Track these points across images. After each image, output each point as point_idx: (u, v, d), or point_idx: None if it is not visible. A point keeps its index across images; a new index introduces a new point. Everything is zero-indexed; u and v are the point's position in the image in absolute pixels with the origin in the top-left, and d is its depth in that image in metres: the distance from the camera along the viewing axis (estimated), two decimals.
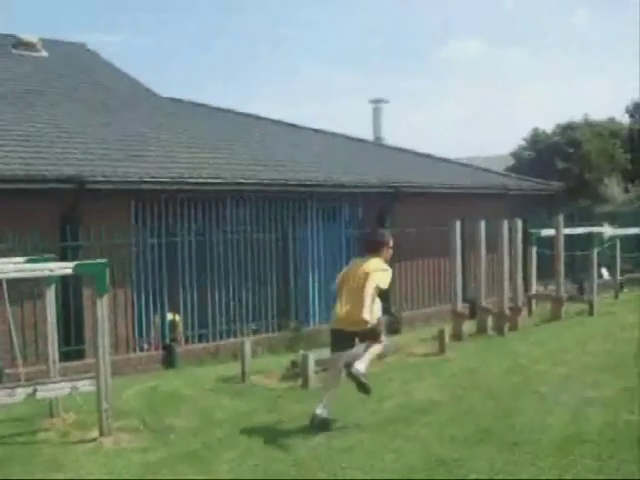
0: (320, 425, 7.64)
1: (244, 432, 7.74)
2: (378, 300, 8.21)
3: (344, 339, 8.18)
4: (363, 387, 7.73)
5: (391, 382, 9.68)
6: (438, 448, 6.73)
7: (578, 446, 6.52)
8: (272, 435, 7.56)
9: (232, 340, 13.93)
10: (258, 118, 22.43)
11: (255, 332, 14.73)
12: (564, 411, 7.68)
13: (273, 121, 22.43)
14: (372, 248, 8.35)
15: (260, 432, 7.69)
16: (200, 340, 14.23)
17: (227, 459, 6.88)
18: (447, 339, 11.91)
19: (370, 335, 8.08)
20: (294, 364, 10.41)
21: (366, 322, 7.77)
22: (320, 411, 7.73)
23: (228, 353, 13.20)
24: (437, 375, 9.90)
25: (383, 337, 8.42)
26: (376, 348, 8.22)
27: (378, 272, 8.01)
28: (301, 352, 10.58)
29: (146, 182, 13.38)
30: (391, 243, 8.48)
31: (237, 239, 14.90)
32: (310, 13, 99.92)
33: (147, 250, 13.63)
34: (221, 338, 14.41)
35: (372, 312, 7.91)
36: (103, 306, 7.68)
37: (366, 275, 7.95)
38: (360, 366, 7.82)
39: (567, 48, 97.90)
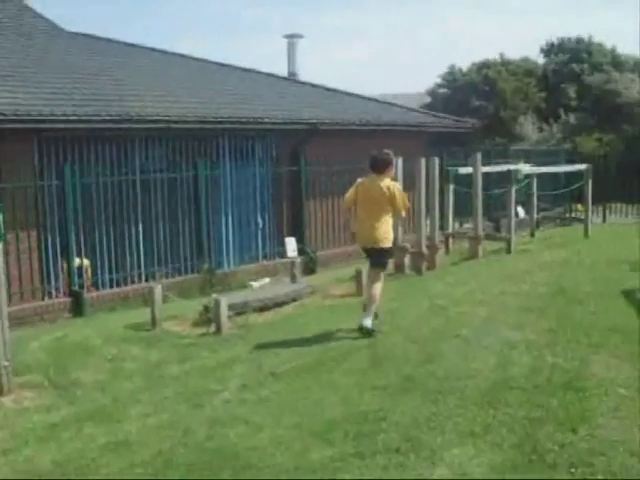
0: (367, 334, 8.42)
1: (154, 385, 7.33)
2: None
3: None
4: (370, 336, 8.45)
5: (307, 326, 9.28)
6: (358, 398, 6.33)
7: (505, 393, 6.21)
8: (183, 387, 7.13)
9: (144, 284, 13.32)
10: (167, 53, 21.54)
11: (167, 275, 14.18)
12: (488, 355, 7.35)
13: (181, 56, 21.58)
14: (379, 167, 9.13)
15: (171, 384, 7.28)
16: (111, 286, 13.60)
17: (136, 415, 6.42)
18: (364, 279, 11.52)
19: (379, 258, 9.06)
20: (206, 309, 9.93)
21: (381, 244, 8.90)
22: (367, 322, 8.54)
23: (140, 298, 12.63)
24: (354, 318, 9.48)
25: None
26: (379, 285, 8.98)
27: (398, 191, 9.00)
28: (214, 296, 10.12)
29: (50, 120, 12.55)
30: (394, 162, 9.45)
31: (147, 179, 14.23)
32: None
33: (54, 193, 12.87)
34: (133, 282, 13.83)
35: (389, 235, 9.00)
36: None
37: (388, 193, 8.89)
38: (367, 322, 8.54)
39: None
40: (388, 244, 9.02)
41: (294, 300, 11.08)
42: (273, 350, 8.18)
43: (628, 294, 10.16)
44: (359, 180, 9.42)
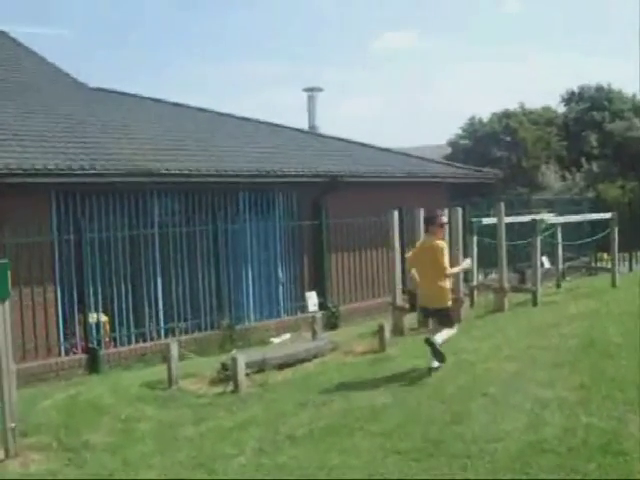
0: (433, 347, 8.86)
1: (167, 448, 7.02)
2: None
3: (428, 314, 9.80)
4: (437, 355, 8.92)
5: (329, 384, 8.93)
6: (381, 464, 5.96)
7: (538, 457, 5.81)
8: (197, 452, 6.80)
9: (162, 341, 13.04)
10: (187, 107, 21.46)
11: (187, 331, 13.91)
12: (518, 415, 6.95)
13: (200, 109, 21.49)
14: (427, 227, 9.63)
15: (184, 448, 6.96)
16: (129, 342, 13.32)
17: None
18: (387, 335, 11.20)
19: (443, 318, 9.41)
20: (224, 367, 9.63)
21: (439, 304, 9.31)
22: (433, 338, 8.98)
23: (158, 355, 12.33)
24: (378, 376, 9.15)
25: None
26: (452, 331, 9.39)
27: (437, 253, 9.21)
28: (232, 353, 9.84)
29: (67, 174, 12.43)
30: (444, 220, 9.68)
31: (166, 233, 14.03)
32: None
33: (71, 247, 12.69)
34: (151, 339, 13.55)
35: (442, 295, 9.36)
36: (5, 312, 6.83)
37: (432, 252, 9.23)
38: (438, 339, 9.00)
39: (501, 37, 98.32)
40: (444, 304, 9.36)
41: (315, 357, 10.74)
42: (292, 410, 7.86)
43: None
44: (419, 241, 10.08)
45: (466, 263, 11.11)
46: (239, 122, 21.11)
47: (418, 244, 9.85)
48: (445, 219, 9.84)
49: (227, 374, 9.47)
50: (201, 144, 16.88)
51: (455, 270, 9.75)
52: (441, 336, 9.15)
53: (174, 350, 9.83)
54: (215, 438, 7.19)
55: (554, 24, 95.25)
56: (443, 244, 9.48)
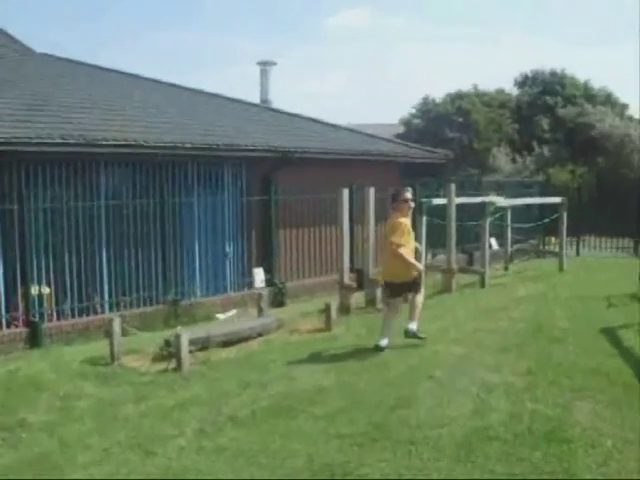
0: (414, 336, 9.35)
1: (106, 427, 6.79)
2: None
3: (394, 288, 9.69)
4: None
5: (273, 364, 8.77)
6: (324, 449, 5.80)
7: (483, 444, 5.72)
8: (136, 432, 6.59)
9: (106, 315, 12.69)
10: (138, 78, 21.01)
11: (132, 305, 13.62)
12: (464, 400, 6.85)
13: (154, 81, 21.05)
14: (391, 205, 9.82)
15: (123, 428, 6.75)
16: (73, 316, 12.99)
17: (82, 464, 5.87)
18: (334, 314, 11.05)
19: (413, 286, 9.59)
20: (167, 343, 9.41)
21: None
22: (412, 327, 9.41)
23: (101, 330, 12.01)
24: (323, 356, 9.01)
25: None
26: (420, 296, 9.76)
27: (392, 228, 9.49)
28: (178, 328, 9.62)
29: (10, 143, 12.00)
30: (407, 196, 9.70)
31: (114, 205, 13.67)
32: None
33: (15, 217, 12.29)
34: (95, 313, 13.21)
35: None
36: None
37: (389, 231, 9.55)
38: (412, 327, 9.48)
39: (460, 18, 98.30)
40: (414, 273, 9.56)
41: (260, 335, 10.57)
42: (235, 390, 7.68)
43: (608, 332, 9.75)
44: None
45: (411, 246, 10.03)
46: (191, 94, 20.72)
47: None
48: (408, 195, 9.76)
49: (170, 351, 9.25)
50: (151, 115, 16.51)
51: (406, 256, 9.36)
52: (414, 324, 9.50)
53: (116, 325, 9.60)
54: (155, 418, 6.98)
55: (510, 8, 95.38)
56: (400, 221, 9.53)
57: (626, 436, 5.84)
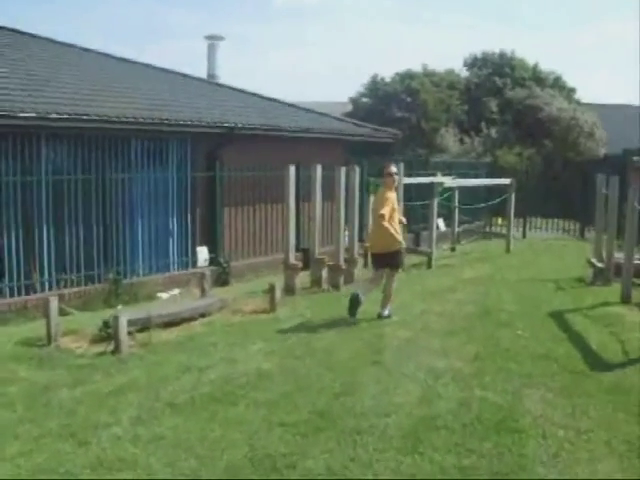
0: (354, 302, 9.69)
1: (39, 414, 6.39)
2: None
3: (379, 260, 10.12)
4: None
5: (215, 347, 8.45)
6: (266, 439, 5.51)
7: (431, 434, 5.49)
8: (70, 419, 6.22)
9: (47, 293, 12.25)
10: (85, 50, 20.34)
11: (73, 284, 13.20)
12: (411, 386, 6.62)
13: (98, 53, 20.42)
14: (382, 179, 10.14)
15: (57, 414, 6.36)
16: (12, 294, 12.53)
17: (10, 455, 5.50)
18: (279, 294, 10.78)
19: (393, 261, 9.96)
20: (106, 324, 9.02)
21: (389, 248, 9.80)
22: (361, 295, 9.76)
23: (40, 309, 11.59)
24: (266, 339, 8.71)
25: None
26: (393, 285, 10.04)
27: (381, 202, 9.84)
28: (118, 308, 9.27)
29: None
30: (391, 170, 10.08)
31: (55, 180, 13.19)
32: None
33: None
34: (34, 292, 12.76)
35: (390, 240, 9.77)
36: None
37: (377, 204, 9.98)
38: (384, 312, 9.82)
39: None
40: (392, 248, 9.79)
41: (202, 316, 10.25)
42: (174, 375, 7.35)
43: (556, 316, 9.63)
44: None
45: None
46: (135, 67, 20.20)
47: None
48: (393, 169, 10.16)
49: (109, 332, 8.88)
50: (96, 88, 15.96)
51: (391, 229, 9.72)
52: (385, 309, 9.86)
53: (53, 305, 9.18)
54: (91, 404, 6.61)
55: None
56: (387, 195, 9.88)
57: (578, 425, 5.66)
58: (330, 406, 6.17)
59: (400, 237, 9.88)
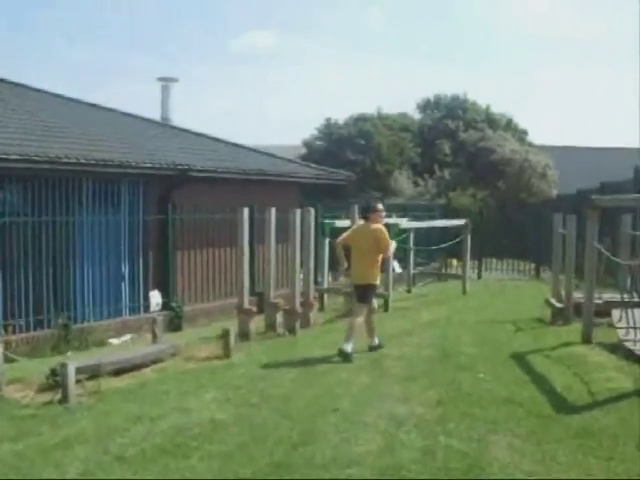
0: (345, 358, 9.57)
1: None
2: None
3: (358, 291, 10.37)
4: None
5: (167, 395, 8.10)
6: None
7: None
8: (13, 474, 5.83)
9: None
10: (33, 90, 19.97)
11: (20, 330, 12.76)
12: (373, 435, 6.32)
13: (50, 94, 20.05)
14: (367, 215, 10.43)
15: None
16: None
17: None
18: (233, 340, 10.46)
19: (365, 293, 10.28)
20: (54, 372, 8.64)
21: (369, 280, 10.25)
22: (346, 348, 9.67)
23: None
24: (221, 386, 8.37)
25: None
26: (359, 319, 10.17)
27: (382, 234, 10.24)
28: (68, 354, 8.89)
29: None
30: (379, 207, 10.52)
31: (3, 223, 12.78)
32: None
33: None
34: None
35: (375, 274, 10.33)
36: None
37: (374, 236, 10.20)
38: (347, 347, 9.70)
39: (361, 43, 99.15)
40: (375, 281, 10.33)
41: (154, 362, 9.89)
42: (124, 425, 6.98)
43: (518, 358, 9.44)
44: (354, 226, 11.34)
45: (393, 245, 11.24)
46: (87, 108, 19.89)
47: (358, 228, 10.77)
48: (380, 206, 10.59)
49: (57, 380, 8.51)
50: (46, 129, 15.64)
51: (391, 249, 10.87)
52: (374, 340, 10.37)
53: None
54: (35, 458, 6.21)
55: (414, 35, 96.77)
56: (383, 227, 10.47)
57: (548, 473, 5.40)
58: (288, 457, 5.84)
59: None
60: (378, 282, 10.60)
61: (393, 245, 11.16)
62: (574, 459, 5.67)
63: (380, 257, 10.40)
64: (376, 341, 10.33)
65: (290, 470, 5.57)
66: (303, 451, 5.96)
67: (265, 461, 5.78)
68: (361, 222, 10.79)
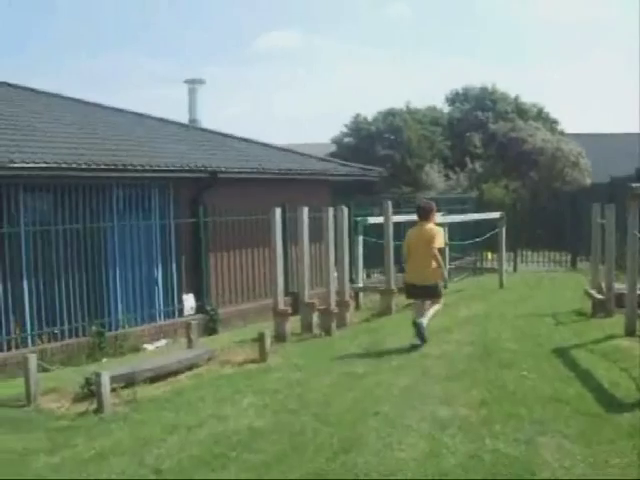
0: (419, 329, 10.15)
1: None
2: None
3: (417, 291, 10.72)
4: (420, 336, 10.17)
5: (203, 402, 7.94)
6: None
7: None
8: None
9: (28, 349, 11.81)
10: (57, 96, 19.96)
11: (55, 339, 12.70)
12: (416, 439, 6.10)
13: (74, 100, 20.03)
14: (423, 215, 10.81)
15: None
16: None
17: None
18: (269, 343, 10.28)
19: (433, 293, 10.70)
20: (88, 382, 8.53)
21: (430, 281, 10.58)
22: (420, 321, 10.22)
23: (21, 366, 11.09)
24: (258, 391, 8.19)
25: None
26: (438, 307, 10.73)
27: (435, 236, 10.55)
28: (104, 361, 8.74)
29: None
30: (434, 207, 11.16)
31: (33, 232, 12.73)
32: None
33: None
34: (16, 348, 12.23)
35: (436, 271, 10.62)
36: None
37: (428, 240, 10.50)
38: (423, 320, 10.26)
39: (386, 39, 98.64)
40: (435, 281, 10.67)
41: (189, 368, 9.75)
42: (160, 435, 6.83)
43: (561, 353, 9.17)
44: (410, 229, 11.28)
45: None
46: (114, 113, 19.83)
47: (416, 229, 10.99)
48: (434, 205, 11.23)
49: (92, 389, 8.38)
50: (72, 135, 15.58)
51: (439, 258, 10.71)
52: (426, 318, 10.42)
53: (32, 362, 8.73)
54: (70, 471, 6.08)
55: (440, 28, 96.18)
56: (439, 228, 10.98)
57: (603, 478, 5.17)
58: (329, 466, 5.64)
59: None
60: (441, 279, 10.97)
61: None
62: (629, 461, 5.41)
63: (438, 254, 10.55)
64: (425, 320, 10.37)
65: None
66: (344, 459, 5.76)
67: (305, 471, 5.60)
68: (417, 224, 11.03)
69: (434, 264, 10.49)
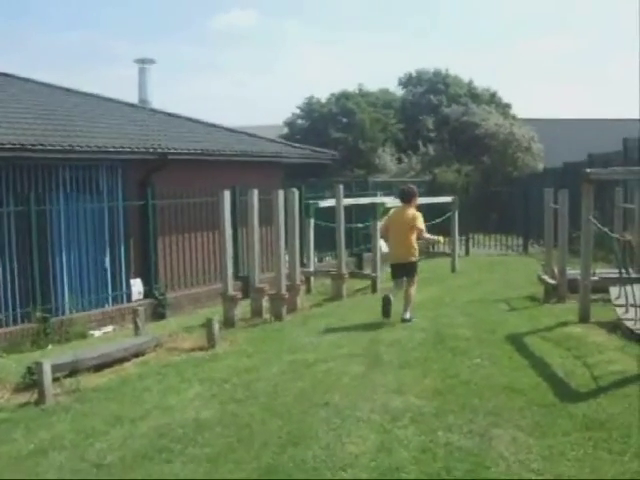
0: (387, 302, 10.87)
1: None
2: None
3: (399, 269, 11.40)
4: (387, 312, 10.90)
5: (149, 392, 7.69)
6: None
7: None
8: None
9: None
10: (12, 77, 19.37)
11: None
12: (367, 432, 5.89)
13: (23, 79, 19.48)
14: (406, 199, 11.50)
15: None
16: None
17: None
18: (217, 329, 10.02)
19: (410, 269, 11.29)
20: (30, 371, 8.22)
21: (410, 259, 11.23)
22: (391, 296, 10.98)
23: None
24: (205, 380, 7.96)
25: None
26: (413, 289, 11.25)
27: (417, 219, 11.20)
28: (49, 348, 8.41)
29: None
30: (416, 191, 11.86)
31: None
32: None
33: None
34: None
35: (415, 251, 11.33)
36: None
37: (409, 221, 11.18)
38: (406, 316, 10.91)
39: (341, 22, 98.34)
40: (414, 258, 11.29)
41: (136, 356, 9.48)
42: (103, 428, 6.56)
43: (515, 340, 9.04)
44: (392, 210, 12.18)
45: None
46: (63, 93, 19.33)
47: (397, 211, 11.71)
48: (416, 190, 11.85)
49: (34, 379, 8.08)
50: (18, 116, 15.11)
51: (428, 236, 12.01)
52: (407, 313, 10.94)
53: None
54: (6, 468, 5.80)
55: (394, 11, 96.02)
56: (418, 213, 11.42)
57: (559, 471, 5.02)
58: (277, 460, 5.42)
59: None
60: (418, 258, 11.56)
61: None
62: (584, 454, 5.25)
63: (415, 236, 11.22)
64: (408, 315, 10.91)
65: (278, 475, 5.17)
66: (293, 453, 5.54)
67: (252, 465, 5.38)
68: (398, 207, 11.81)
69: (414, 244, 11.19)
